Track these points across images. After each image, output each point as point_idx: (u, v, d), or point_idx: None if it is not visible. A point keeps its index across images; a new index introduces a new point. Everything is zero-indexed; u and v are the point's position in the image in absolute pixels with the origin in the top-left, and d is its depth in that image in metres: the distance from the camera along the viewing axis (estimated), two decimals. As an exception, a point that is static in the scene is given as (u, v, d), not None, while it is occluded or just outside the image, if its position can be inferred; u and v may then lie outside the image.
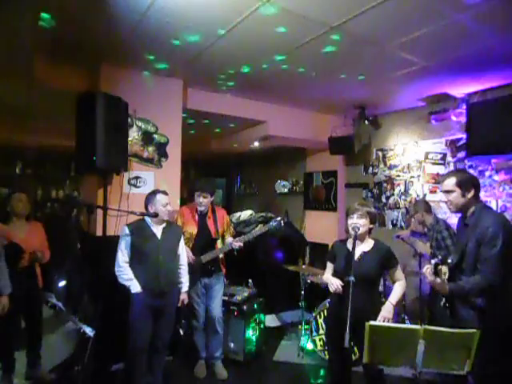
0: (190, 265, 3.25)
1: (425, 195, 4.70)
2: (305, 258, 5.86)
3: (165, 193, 3.04)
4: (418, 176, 4.82)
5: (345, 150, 5.21)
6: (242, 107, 4.61)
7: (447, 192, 2.39)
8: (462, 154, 4.32)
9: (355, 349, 2.94)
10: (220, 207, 3.81)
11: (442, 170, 4.55)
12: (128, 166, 3.51)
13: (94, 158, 3.05)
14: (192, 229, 3.44)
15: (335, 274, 2.64)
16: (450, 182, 2.38)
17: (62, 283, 4.34)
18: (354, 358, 3.12)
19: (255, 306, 3.93)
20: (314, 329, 3.88)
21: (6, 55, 2.92)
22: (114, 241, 2.99)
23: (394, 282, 2.64)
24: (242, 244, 3.38)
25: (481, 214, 2.31)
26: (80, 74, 3.64)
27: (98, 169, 3.15)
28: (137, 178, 3.69)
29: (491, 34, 2.79)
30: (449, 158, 4.49)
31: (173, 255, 3.06)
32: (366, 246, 2.61)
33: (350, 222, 2.59)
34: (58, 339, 3.73)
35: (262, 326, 4.04)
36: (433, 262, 2.17)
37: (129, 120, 3.55)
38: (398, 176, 5.08)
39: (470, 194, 2.34)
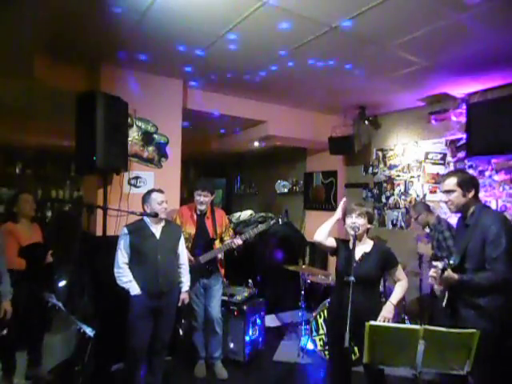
0: (189, 265, 3.24)
1: (425, 195, 4.70)
2: (305, 257, 5.86)
3: (160, 191, 3.03)
4: (418, 176, 4.82)
5: (345, 150, 5.21)
6: (242, 107, 4.62)
7: (448, 192, 2.39)
8: (462, 154, 4.32)
9: (355, 349, 2.94)
10: (219, 208, 3.81)
11: (442, 170, 4.54)
12: (128, 165, 3.51)
13: (94, 158, 3.05)
14: (191, 229, 3.44)
15: (337, 273, 2.65)
16: (451, 182, 2.37)
17: (62, 283, 4.33)
18: (353, 358, 3.11)
19: (255, 306, 3.93)
20: (314, 329, 3.88)
21: (5, 55, 2.93)
22: (114, 241, 2.99)
23: (395, 282, 2.64)
24: (241, 242, 3.37)
25: (481, 214, 2.31)
26: (80, 74, 3.64)
27: (98, 169, 3.15)
28: (137, 177, 3.69)
29: (491, 33, 2.79)
30: (449, 158, 4.49)
31: (172, 255, 3.05)
32: (366, 246, 2.62)
33: (348, 221, 2.59)
34: (58, 339, 3.73)
35: (261, 326, 4.04)
36: (440, 265, 2.16)
37: (129, 120, 3.55)
38: (398, 176, 5.08)
39: (471, 194, 2.34)
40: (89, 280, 3.67)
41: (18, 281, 2.94)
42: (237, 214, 5.83)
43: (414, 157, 4.87)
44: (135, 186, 3.66)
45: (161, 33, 2.89)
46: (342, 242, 2.71)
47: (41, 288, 3.18)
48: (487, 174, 4.10)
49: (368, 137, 5.32)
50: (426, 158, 4.73)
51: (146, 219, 2.98)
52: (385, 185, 5.24)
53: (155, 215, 2.91)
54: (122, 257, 2.90)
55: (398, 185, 5.07)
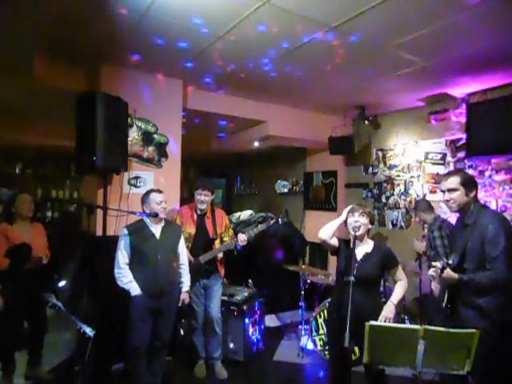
0: (189, 265, 3.24)
1: (425, 195, 4.70)
2: (305, 257, 5.86)
3: (159, 191, 3.03)
4: (418, 176, 4.82)
5: (345, 150, 5.20)
6: (242, 107, 4.62)
7: (450, 190, 2.38)
8: (462, 154, 4.32)
9: (355, 349, 2.94)
10: (220, 208, 3.81)
11: (441, 170, 4.54)
12: (128, 165, 3.51)
13: (94, 158, 3.05)
14: (191, 229, 3.45)
15: (337, 273, 2.65)
16: (455, 181, 2.36)
17: (62, 283, 4.33)
18: (353, 357, 3.11)
19: (255, 306, 3.93)
20: (314, 329, 3.88)
21: (5, 55, 2.92)
22: (114, 241, 2.99)
23: (395, 282, 2.64)
24: (246, 237, 3.35)
25: (479, 214, 2.31)
26: (80, 74, 3.64)
27: (98, 169, 3.15)
28: (137, 177, 3.69)
29: (491, 33, 2.79)
30: (449, 158, 4.49)
31: (172, 255, 3.05)
32: (367, 246, 2.62)
33: (350, 220, 2.60)
34: (58, 339, 3.73)
35: (261, 325, 4.04)
36: (439, 265, 2.16)
37: (129, 120, 3.55)
38: (398, 176, 5.08)
39: (473, 194, 2.35)
40: (89, 280, 3.67)
41: (6, 281, 2.95)
42: (237, 214, 5.83)
43: (414, 157, 4.87)
44: (135, 185, 3.66)
45: (161, 33, 2.89)
46: (344, 242, 2.72)
47: (36, 288, 3.18)
48: (487, 174, 4.10)
49: (368, 137, 5.32)
50: (426, 158, 4.73)
51: (146, 219, 2.98)
52: (385, 185, 5.24)
53: (155, 215, 2.91)
54: (122, 257, 2.90)
55: (398, 185, 5.07)
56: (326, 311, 3.80)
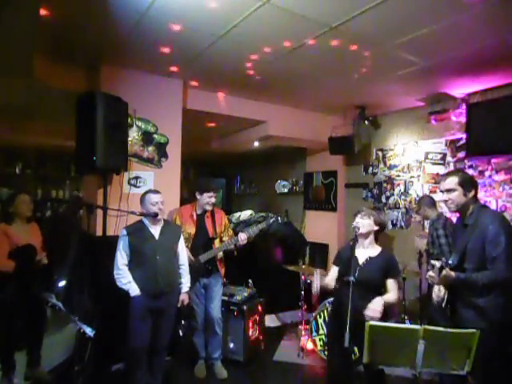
0: (189, 265, 3.24)
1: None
2: (305, 257, 5.86)
3: (155, 191, 3.03)
4: (418, 176, 4.82)
5: (345, 150, 5.20)
6: (242, 107, 4.62)
7: (448, 190, 2.38)
8: (462, 154, 4.32)
9: (355, 349, 2.94)
10: (219, 208, 3.81)
11: (441, 170, 4.54)
12: (128, 165, 3.51)
13: (94, 158, 3.05)
14: (190, 229, 3.45)
15: (338, 273, 2.66)
16: (453, 181, 2.37)
17: (62, 283, 4.33)
18: (353, 357, 3.11)
19: (255, 306, 3.93)
20: (313, 329, 3.88)
21: (6, 55, 2.92)
22: (114, 241, 2.99)
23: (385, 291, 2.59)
24: (247, 236, 3.36)
25: (479, 214, 2.32)
26: (80, 74, 3.64)
27: (98, 169, 3.15)
28: (137, 178, 3.69)
29: (491, 34, 2.79)
30: (449, 158, 4.49)
31: (172, 255, 3.05)
32: (373, 251, 2.62)
33: (354, 223, 2.62)
34: (58, 339, 3.72)
35: (262, 326, 4.04)
36: (438, 264, 2.16)
37: (129, 120, 3.55)
38: (398, 176, 5.08)
39: (471, 194, 2.35)
40: (89, 280, 3.67)
41: (7, 282, 2.94)
42: (237, 214, 5.82)
43: (414, 157, 4.87)
44: (135, 186, 3.66)
45: (161, 33, 2.89)
46: (345, 247, 2.71)
47: (36, 289, 3.17)
48: (487, 174, 4.10)
49: (368, 137, 5.32)
50: (426, 158, 4.73)
51: (145, 220, 2.98)
52: (385, 185, 5.24)
53: (155, 215, 2.91)
54: (121, 258, 2.90)
55: (398, 185, 5.07)
56: (326, 311, 3.81)
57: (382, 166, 5.29)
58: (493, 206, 3.96)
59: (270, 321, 4.70)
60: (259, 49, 3.14)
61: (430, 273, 2.26)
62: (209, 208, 3.45)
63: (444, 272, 2.15)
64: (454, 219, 3.14)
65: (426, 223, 4.02)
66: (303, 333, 4.05)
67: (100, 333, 2.96)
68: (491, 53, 3.11)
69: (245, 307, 3.73)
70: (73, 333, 3.54)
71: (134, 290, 2.85)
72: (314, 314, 3.94)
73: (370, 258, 2.58)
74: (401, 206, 5.03)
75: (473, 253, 2.26)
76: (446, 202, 2.42)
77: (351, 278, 2.30)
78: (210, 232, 3.47)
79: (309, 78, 3.84)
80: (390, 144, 5.19)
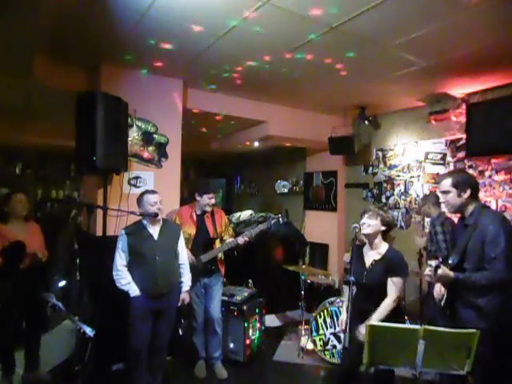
0: (190, 265, 3.24)
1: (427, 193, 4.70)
2: (305, 257, 5.86)
3: (153, 192, 3.01)
4: (418, 176, 4.82)
5: (345, 150, 5.21)
6: (242, 107, 4.61)
7: (444, 193, 2.40)
8: (462, 154, 4.32)
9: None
10: (219, 208, 3.81)
11: (441, 170, 4.54)
12: (128, 166, 3.50)
13: (94, 158, 3.05)
14: (191, 229, 3.44)
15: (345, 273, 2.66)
16: (447, 183, 2.38)
17: (62, 283, 4.34)
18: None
19: (255, 306, 3.93)
20: (314, 329, 3.88)
21: (6, 55, 2.92)
22: (114, 241, 2.99)
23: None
24: (247, 239, 3.37)
25: (480, 214, 2.31)
26: (80, 74, 3.65)
27: (98, 169, 3.15)
28: (137, 178, 3.69)
29: (491, 33, 2.79)
30: (449, 158, 4.49)
31: (171, 255, 3.04)
32: (380, 252, 2.61)
33: (360, 222, 2.62)
34: (58, 339, 3.72)
35: (262, 326, 4.04)
36: (434, 264, 2.16)
37: (129, 120, 3.55)
38: (398, 176, 5.08)
39: (467, 195, 2.33)
40: (89, 280, 3.67)
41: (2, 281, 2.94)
42: (237, 214, 5.82)
43: (414, 157, 4.87)
44: (135, 186, 3.66)
45: (161, 33, 2.89)
46: (356, 247, 2.65)
47: (34, 287, 3.17)
48: (487, 174, 4.10)
49: (368, 137, 5.32)
50: (426, 158, 4.73)
51: (144, 220, 2.98)
52: (385, 185, 5.24)
53: (155, 215, 2.91)
54: (120, 259, 2.90)
55: (398, 185, 5.07)
56: (326, 311, 3.81)
57: (382, 166, 5.30)
58: (493, 206, 3.96)
59: (270, 321, 4.70)
60: (259, 49, 3.14)
61: (427, 271, 2.26)
62: (209, 209, 3.46)
63: (440, 271, 2.15)
64: (456, 219, 3.14)
65: (426, 223, 4.02)
66: (303, 333, 4.05)
67: (100, 333, 2.96)
68: (491, 53, 3.11)
69: (245, 307, 3.73)
70: (73, 333, 3.54)
71: (134, 290, 2.85)
72: (313, 314, 3.94)
73: (375, 261, 2.58)
74: (401, 206, 5.03)
75: (473, 253, 2.26)
76: (443, 203, 2.44)
77: (351, 278, 2.30)
78: (211, 232, 3.47)
79: (309, 78, 3.84)
80: (390, 144, 5.19)
